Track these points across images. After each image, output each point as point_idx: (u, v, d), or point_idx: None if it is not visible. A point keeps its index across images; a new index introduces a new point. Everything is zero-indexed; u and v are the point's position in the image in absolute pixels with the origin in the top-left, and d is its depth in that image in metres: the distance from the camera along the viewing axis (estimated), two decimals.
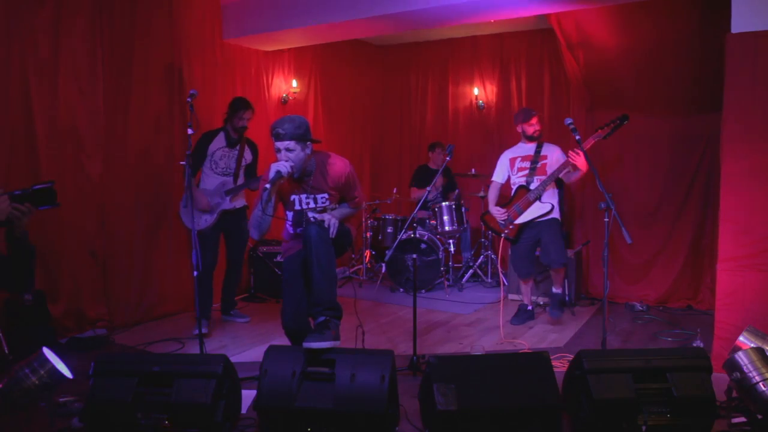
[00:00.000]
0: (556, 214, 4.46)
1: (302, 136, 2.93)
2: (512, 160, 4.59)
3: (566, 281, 4.80)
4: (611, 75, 5.15)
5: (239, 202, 4.54)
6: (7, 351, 3.51)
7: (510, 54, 6.56)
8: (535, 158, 4.49)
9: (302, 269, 3.05)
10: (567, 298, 4.82)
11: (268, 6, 5.13)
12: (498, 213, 4.53)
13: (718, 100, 3.59)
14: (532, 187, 4.41)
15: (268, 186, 2.89)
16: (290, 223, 3.18)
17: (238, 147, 4.47)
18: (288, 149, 2.91)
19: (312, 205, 3.08)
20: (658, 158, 5.15)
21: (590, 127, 4.48)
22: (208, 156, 4.39)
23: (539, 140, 4.52)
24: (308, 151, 2.99)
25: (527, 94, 6.47)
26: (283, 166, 2.89)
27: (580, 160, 4.14)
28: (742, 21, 3.42)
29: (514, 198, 4.51)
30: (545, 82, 6.33)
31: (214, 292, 4.61)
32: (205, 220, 4.35)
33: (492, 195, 4.69)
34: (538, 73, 6.37)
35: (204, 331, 4.15)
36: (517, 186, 4.52)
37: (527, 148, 4.56)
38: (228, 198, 4.39)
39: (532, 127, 4.50)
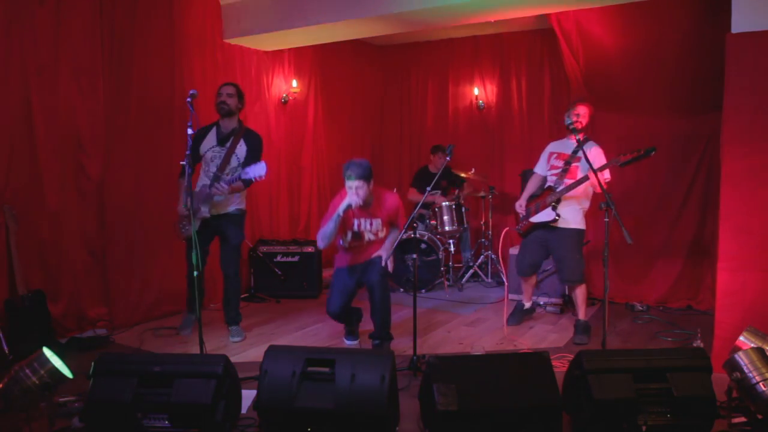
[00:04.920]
0: (574, 224, 4.15)
1: (368, 176, 3.63)
2: (550, 155, 4.30)
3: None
4: (611, 75, 5.14)
5: (232, 207, 4.12)
6: (7, 351, 3.51)
7: (510, 54, 6.56)
8: (570, 159, 4.12)
9: (350, 277, 3.94)
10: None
11: (268, 6, 5.13)
12: (519, 208, 4.33)
13: (718, 100, 3.59)
14: (558, 190, 4.10)
15: (339, 213, 3.65)
16: (342, 243, 3.97)
17: (229, 143, 4.03)
18: (358, 187, 3.59)
19: (368, 227, 3.86)
20: (658, 158, 5.10)
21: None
22: (202, 156, 4.09)
23: (579, 134, 3.91)
24: (371, 186, 3.70)
25: (527, 94, 6.47)
26: (354, 200, 3.63)
27: (592, 181, 3.81)
28: (742, 21, 3.42)
29: (540, 196, 4.25)
30: (545, 82, 6.33)
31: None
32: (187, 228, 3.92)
33: (529, 186, 4.40)
34: (538, 73, 6.37)
35: (187, 333, 4.28)
36: (546, 185, 4.25)
37: (568, 145, 4.21)
38: (205, 208, 3.98)
39: (574, 118, 4.02)
